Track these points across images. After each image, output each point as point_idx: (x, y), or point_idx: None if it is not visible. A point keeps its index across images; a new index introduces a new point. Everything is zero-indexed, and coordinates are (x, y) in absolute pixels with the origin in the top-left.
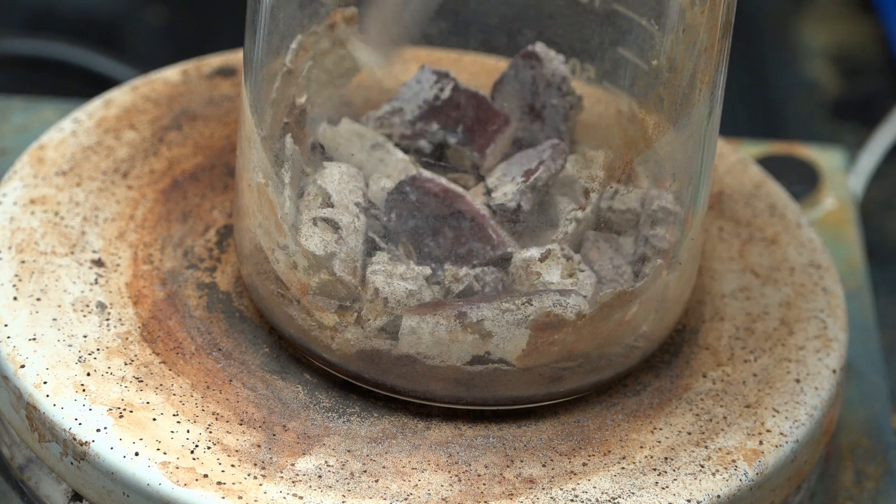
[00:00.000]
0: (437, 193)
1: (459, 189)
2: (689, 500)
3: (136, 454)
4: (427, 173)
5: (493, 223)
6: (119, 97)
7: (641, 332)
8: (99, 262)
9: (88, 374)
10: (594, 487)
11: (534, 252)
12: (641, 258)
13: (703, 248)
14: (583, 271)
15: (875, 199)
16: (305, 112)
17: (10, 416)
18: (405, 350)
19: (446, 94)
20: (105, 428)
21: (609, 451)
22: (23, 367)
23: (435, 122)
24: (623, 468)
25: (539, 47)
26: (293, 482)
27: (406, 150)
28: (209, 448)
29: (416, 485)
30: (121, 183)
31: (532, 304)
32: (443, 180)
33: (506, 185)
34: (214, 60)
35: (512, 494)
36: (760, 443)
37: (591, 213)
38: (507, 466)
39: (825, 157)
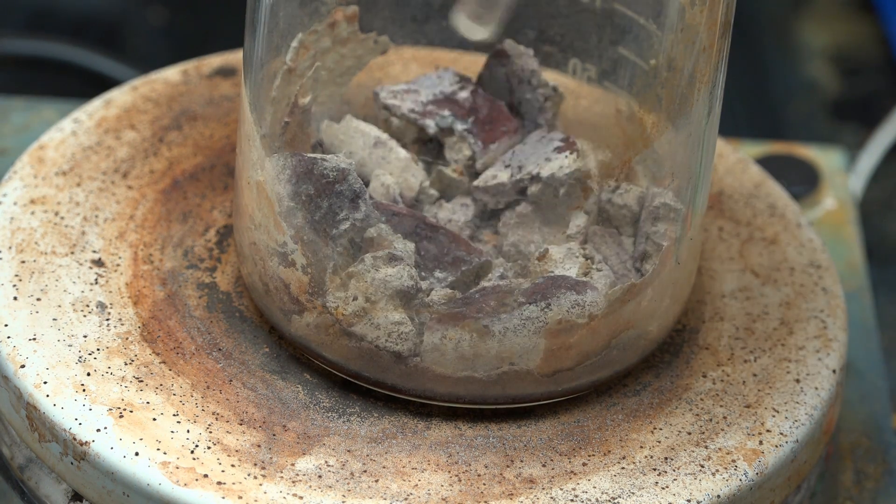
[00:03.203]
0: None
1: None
2: (689, 500)
3: (137, 454)
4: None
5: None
6: (119, 97)
7: (651, 326)
8: (99, 262)
9: (88, 374)
10: (594, 487)
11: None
12: (643, 255)
13: (702, 248)
14: (600, 270)
15: (875, 199)
16: (309, 112)
17: (10, 416)
18: (428, 365)
19: (465, 94)
20: (105, 428)
21: (609, 451)
22: (23, 367)
23: (447, 109)
24: (623, 468)
25: (508, 44)
26: (293, 482)
27: (406, 128)
28: (209, 448)
29: (416, 485)
30: (121, 183)
31: (551, 309)
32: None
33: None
34: (214, 60)
35: (512, 494)
36: (760, 443)
37: (594, 206)
38: (507, 466)
39: (825, 158)
